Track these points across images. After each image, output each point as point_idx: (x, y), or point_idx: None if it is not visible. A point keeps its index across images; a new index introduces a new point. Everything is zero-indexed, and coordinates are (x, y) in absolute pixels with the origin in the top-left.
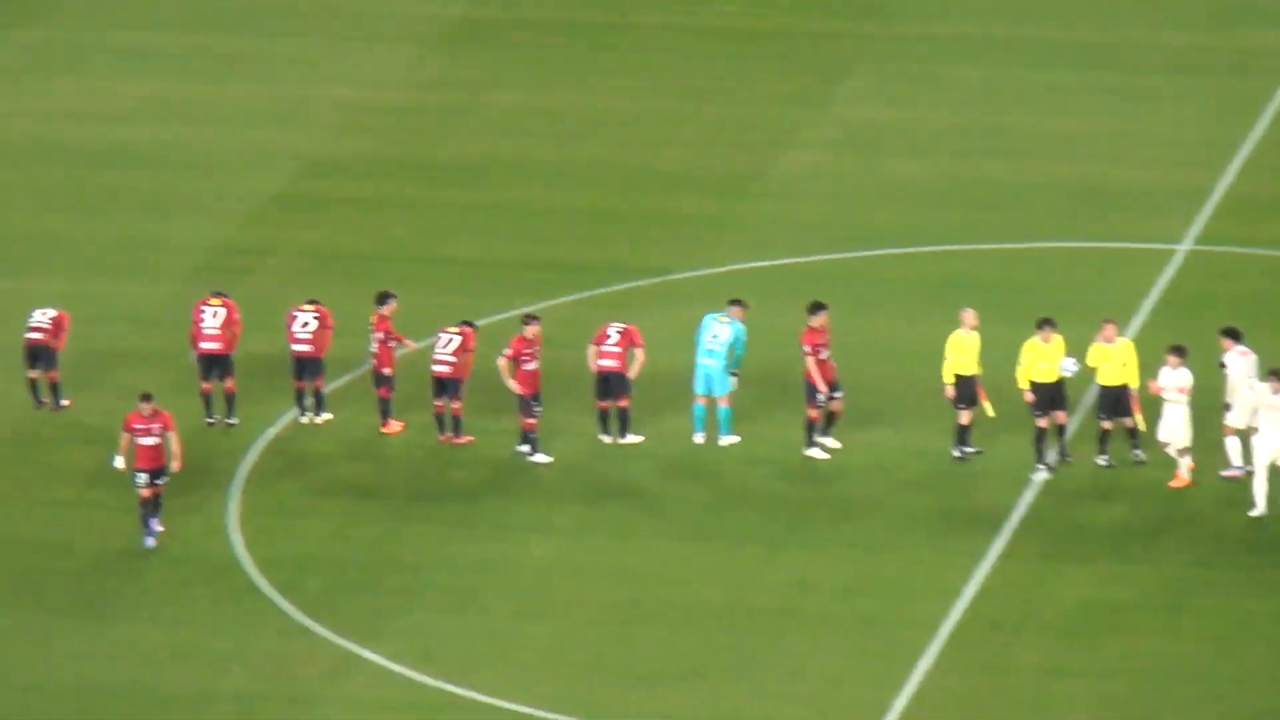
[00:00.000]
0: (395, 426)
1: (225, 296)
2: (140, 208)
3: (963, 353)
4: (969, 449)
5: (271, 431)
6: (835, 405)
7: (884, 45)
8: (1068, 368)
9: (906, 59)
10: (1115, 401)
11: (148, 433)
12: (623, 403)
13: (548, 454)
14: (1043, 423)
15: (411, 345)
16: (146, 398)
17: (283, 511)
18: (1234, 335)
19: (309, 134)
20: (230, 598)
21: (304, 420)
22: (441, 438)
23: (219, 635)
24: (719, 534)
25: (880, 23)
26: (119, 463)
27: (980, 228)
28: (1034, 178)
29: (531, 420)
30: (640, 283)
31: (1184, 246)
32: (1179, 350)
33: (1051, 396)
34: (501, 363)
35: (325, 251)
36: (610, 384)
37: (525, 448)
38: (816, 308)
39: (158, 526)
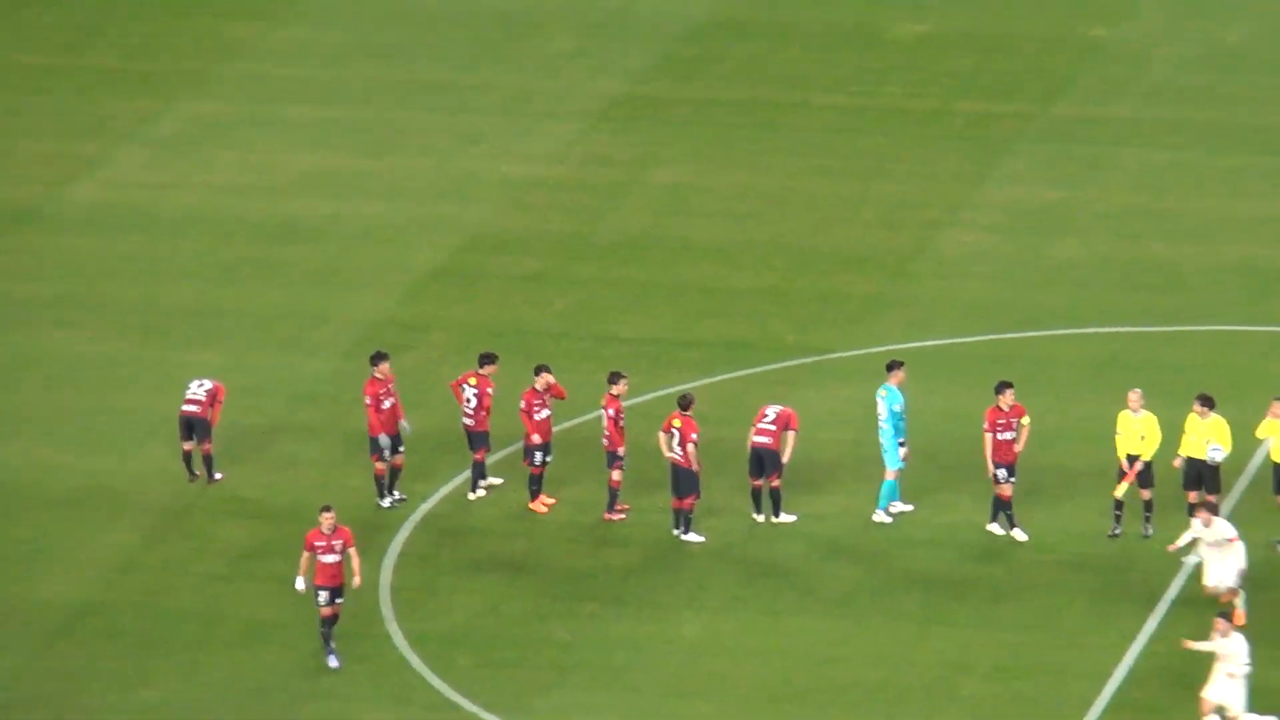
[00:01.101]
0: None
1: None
2: (301, 281)
3: (1129, 432)
4: (1149, 527)
5: (424, 507)
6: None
7: (1048, 125)
8: (1214, 455)
9: (1072, 140)
10: (1199, 476)
11: (329, 550)
12: (775, 482)
13: (696, 535)
14: (1192, 497)
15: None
16: (327, 509)
17: (434, 588)
18: None
19: (472, 208)
20: (381, 674)
21: (472, 496)
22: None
23: (372, 710)
24: (872, 612)
25: (1044, 104)
26: (300, 584)
27: (1142, 310)
28: (1197, 261)
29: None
30: (801, 360)
31: None
32: None
33: (1199, 474)
34: (662, 437)
35: (485, 327)
36: (764, 462)
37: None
38: (1004, 386)
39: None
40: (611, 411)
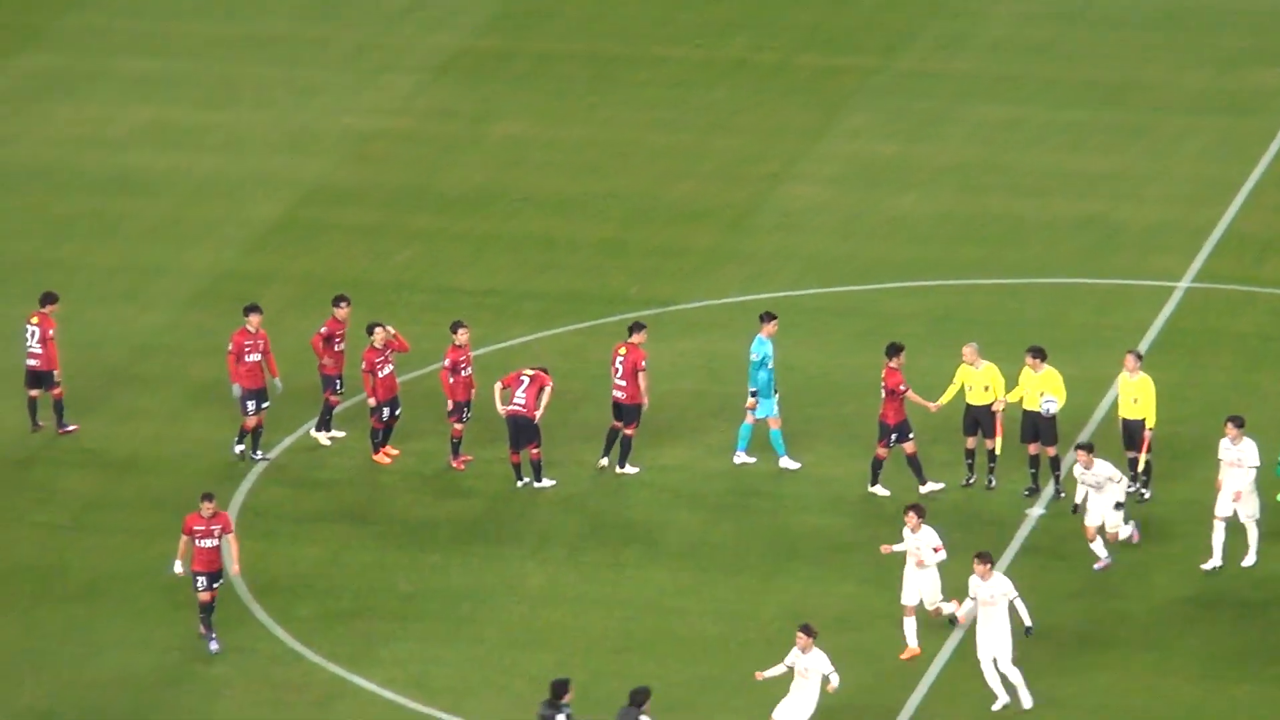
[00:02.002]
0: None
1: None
2: (139, 235)
3: (974, 384)
4: (991, 478)
5: (270, 457)
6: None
7: (889, 79)
8: (1048, 407)
9: (913, 94)
10: (1132, 435)
11: (207, 534)
12: (630, 431)
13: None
14: (1032, 449)
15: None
16: (208, 497)
17: (276, 538)
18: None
19: (311, 161)
20: (223, 624)
21: (316, 435)
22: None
23: (212, 661)
24: (715, 564)
25: (886, 58)
26: (178, 568)
27: (980, 263)
28: (1037, 214)
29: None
30: (642, 313)
31: (1184, 284)
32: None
33: (1035, 427)
34: (497, 389)
35: (326, 279)
36: (621, 410)
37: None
38: (897, 348)
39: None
40: (448, 362)
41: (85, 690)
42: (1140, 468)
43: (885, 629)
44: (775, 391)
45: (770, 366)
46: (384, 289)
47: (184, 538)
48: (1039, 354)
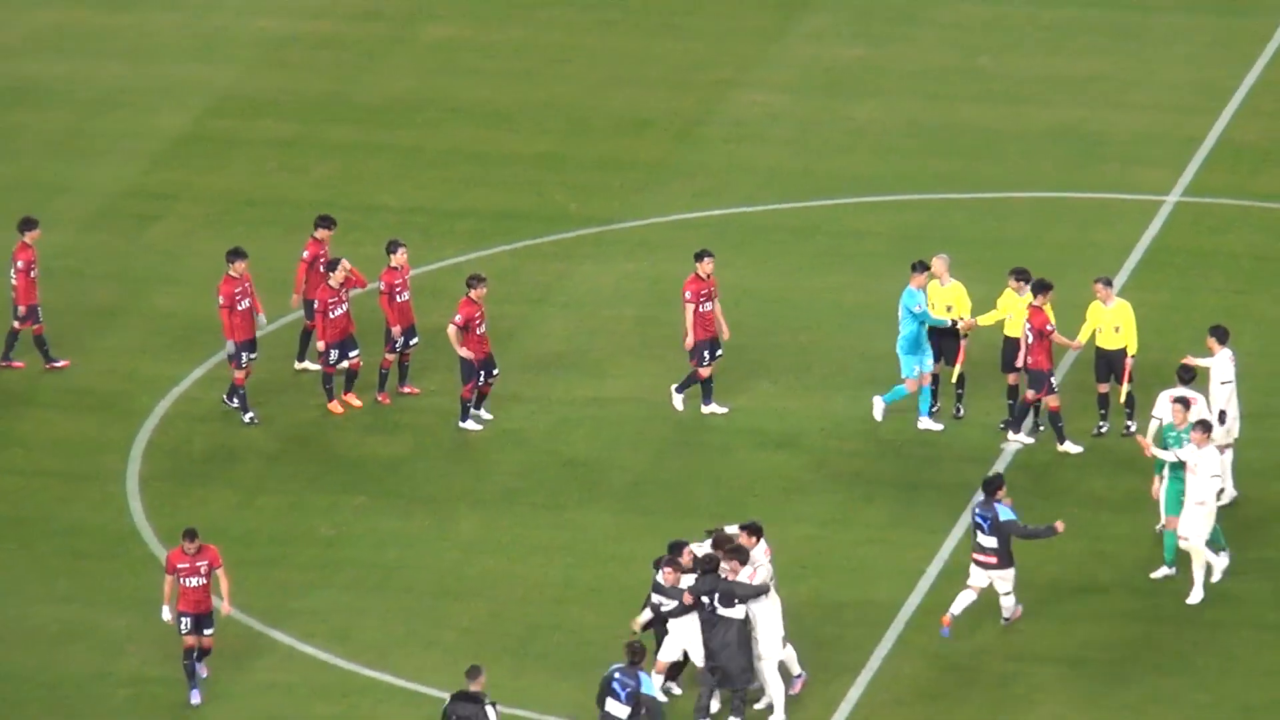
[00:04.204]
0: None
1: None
2: (37, 149)
3: (937, 301)
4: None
5: (176, 391)
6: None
7: None
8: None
9: None
10: (1109, 366)
11: (193, 572)
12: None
13: (479, 422)
14: (1012, 379)
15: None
16: (190, 535)
17: (185, 478)
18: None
19: (222, 68)
20: (128, 572)
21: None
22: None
23: (115, 613)
24: (661, 506)
25: None
26: (166, 614)
27: (953, 177)
28: (1014, 124)
29: (482, 387)
30: (582, 231)
31: (1173, 198)
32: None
33: (1014, 356)
34: (452, 330)
35: (239, 195)
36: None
37: (471, 419)
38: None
39: (203, 672)
40: (384, 286)
41: None
42: (1124, 399)
43: (847, 575)
44: (921, 350)
45: (921, 322)
46: (301, 207)
47: (168, 577)
48: (1023, 276)
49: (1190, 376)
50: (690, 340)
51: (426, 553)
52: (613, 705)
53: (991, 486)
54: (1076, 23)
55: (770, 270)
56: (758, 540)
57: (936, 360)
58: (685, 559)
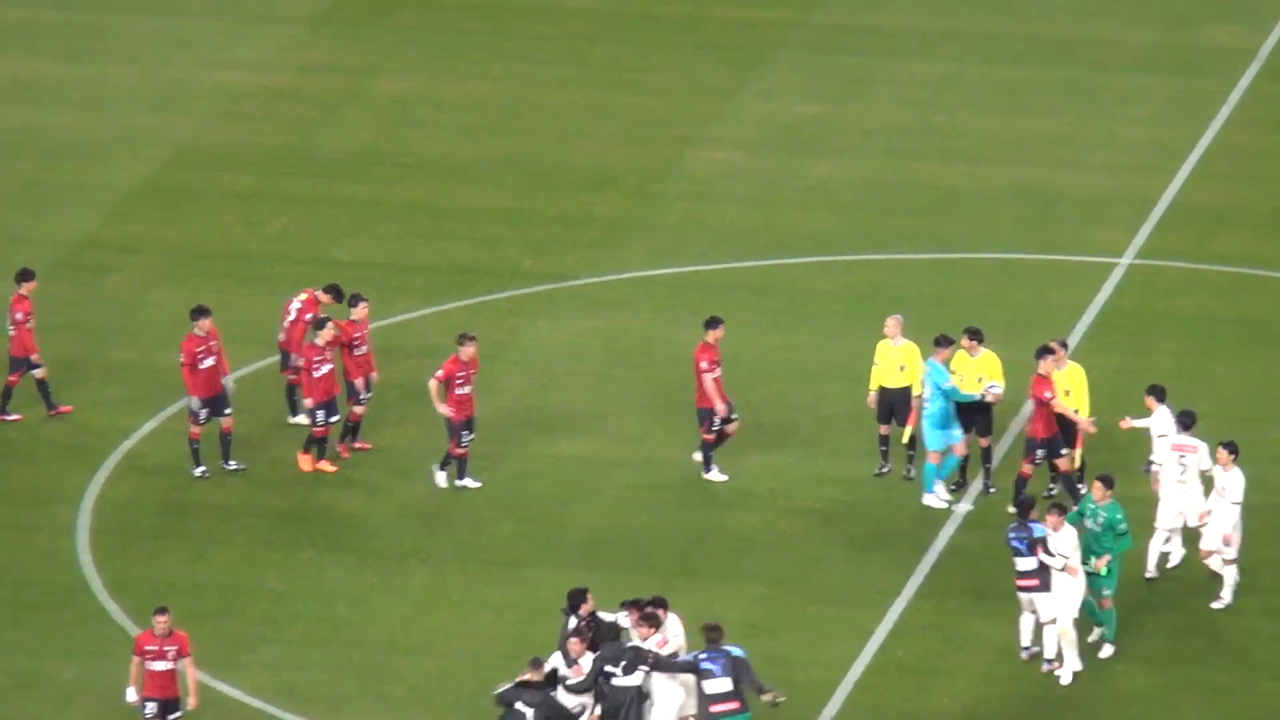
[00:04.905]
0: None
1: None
2: None
3: (888, 362)
4: (884, 466)
5: (127, 445)
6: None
7: (810, 34)
8: (992, 391)
9: (837, 50)
10: (1063, 431)
11: (160, 656)
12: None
13: (476, 479)
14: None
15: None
16: (162, 612)
17: (136, 532)
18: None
19: (180, 120)
20: (78, 624)
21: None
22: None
23: (64, 665)
24: (615, 564)
25: (806, 10)
26: (131, 695)
27: (909, 236)
28: (971, 183)
29: (461, 449)
30: (537, 288)
31: (1127, 260)
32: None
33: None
34: (433, 385)
35: (196, 248)
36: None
37: (441, 475)
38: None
39: None
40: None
41: None
42: (1077, 464)
43: (797, 635)
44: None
45: (949, 397)
46: (257, 260)
47: (135, 659)
48: (976, 335)
49: (1190, 423)
50: (721, 408)
51: (376, 608)
52: None
53: (1025, 507)
54: (1033, 82)
55: (726, 329)
56: (665, 613)
57: (885, 421)
58: (584, 609)
